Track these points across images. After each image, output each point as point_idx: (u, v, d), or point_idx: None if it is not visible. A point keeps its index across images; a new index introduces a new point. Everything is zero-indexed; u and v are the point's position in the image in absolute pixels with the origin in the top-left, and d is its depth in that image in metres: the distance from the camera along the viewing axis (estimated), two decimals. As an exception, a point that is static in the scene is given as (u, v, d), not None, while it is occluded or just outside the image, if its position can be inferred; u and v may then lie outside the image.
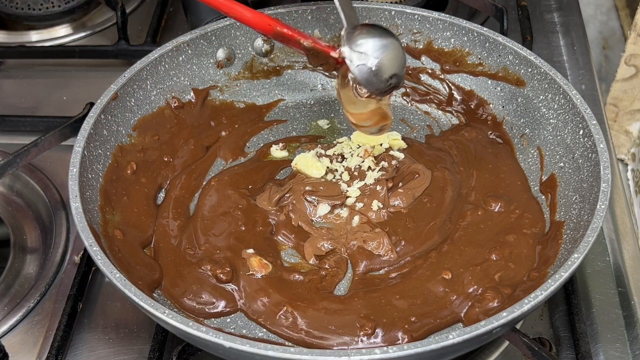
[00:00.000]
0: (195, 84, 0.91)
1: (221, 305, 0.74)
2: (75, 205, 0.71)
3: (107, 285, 0.82)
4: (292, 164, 0.87)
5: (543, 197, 0.82)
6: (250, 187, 0.85)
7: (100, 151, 0.79)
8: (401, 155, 0.87)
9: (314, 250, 0.79)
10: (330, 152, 0.88)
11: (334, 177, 0.85)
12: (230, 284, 0.75)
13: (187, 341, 0.70)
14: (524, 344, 0.68)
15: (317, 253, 0.79)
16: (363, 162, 0.85)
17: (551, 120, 0.84)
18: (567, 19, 1.15)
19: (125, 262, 0.73)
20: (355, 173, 0.85)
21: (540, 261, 0.75)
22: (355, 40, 0.76)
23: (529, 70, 0.86)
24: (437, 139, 0.91)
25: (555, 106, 0.83)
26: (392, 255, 0.78)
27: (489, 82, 0.91)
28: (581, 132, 0.78)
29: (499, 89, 0.90)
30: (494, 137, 0.89)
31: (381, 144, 0.88)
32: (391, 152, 0.87)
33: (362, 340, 0.70)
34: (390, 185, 0.83)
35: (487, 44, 0.89)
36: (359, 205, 0.82)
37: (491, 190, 0.83)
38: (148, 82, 0.86)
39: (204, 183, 0.86)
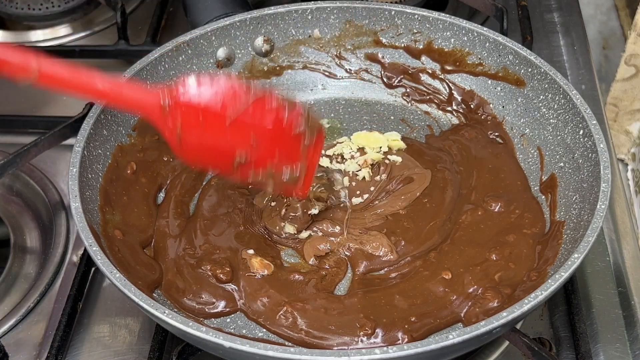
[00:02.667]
0: (195, 84, 0.91)
1: (221, 305, 0.74)
2: (75, 205, 0.71)
3: (107, 285, 0.82)
4: (292, 164, 0.87)
5: (543, 197, 0.82)
6: (250, 187, 0.85)
7: (100, 151, 0.79)
8: (399, 159, 0.86)
9: (313, 250, 0.79)
10: (330, 152, 0.88)
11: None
12: (230, 284, 0.75)
13: (187, 341, 0.70)
14: (524, 344, 0.68)
15: (316, 253, 0.79)
16: (360, 170, 0.85)
17: (551, 120, 0.84)
18: (567, 19, 1.15)
19: (125, 262, 0.73)
20: (354, 183, 0.84)
21: (540, 261, 0.75)
22: None
23: (529, 70, 0.86)
24: (437, 139, 0.91)
25: (555, 106, 0.83)
26: (391, 256, 0.77)
27: (489, 82, 0.91)
28: (581, 132, 0.78)
29: (499, 89, 0.90)
30: (494, 137, 0.89)
31: (380, 148, 0.87)
32: (389, 157, 0.86)
33: (362, 340, 0.70)
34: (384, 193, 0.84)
35: (487, 44, 0.89)
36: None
37: (491, 190, 0.83)
38: (148, 82, 0.86)
39: (204, 183, 0.86)
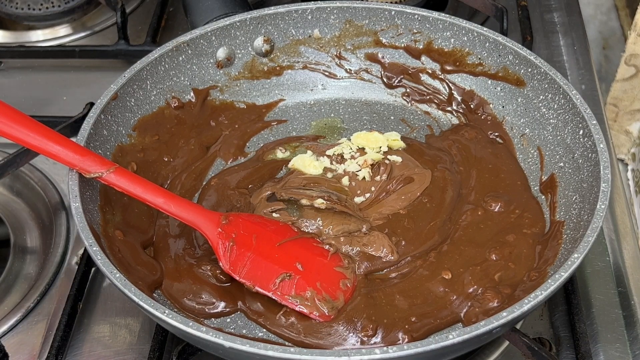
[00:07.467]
0: (195, 84, 0.91)
1: (221, 305, 0.74)
2: (75, 205, 0.71)
3: (107, 285, 0.82)
4: (290, 164, 0.87)
5: (543, 197, 0.82)
6: (250, 187, 0.85)
7: (100, 151, 0.79)
8: (399, 159, 0.86)
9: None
10: (330, 152, 0.88)
11: (332, 176, 0.85)
12: (230, 284, 0.75)
13: (187, 341, 0.70)
14: (524, 344, 0.68)
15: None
16: (360, 170, 0.85)
17: (551, 120, 0.84)
18: (567, 19, 1.15)
19: (125, 262, 0.73)
20: (354, 183, 0.84)
21: (540, 261, 0.75)
22: None
23: (529, 70, 0.86)
24: (437, 138, 0.91)
25: (555, 106, 0.83)
26: (392, 257, 0.77)
27: (489, 82, 0.91)
28: (581, 132, 0.78)
29: (499, 89, 0.90)
30: (494, 137, 0.89)
31: (380, 148, 0.87)
32: (389, 157, 0.86)
33: (362, 341, 0.70)
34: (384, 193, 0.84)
35: (487, 44, 0.89)
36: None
37: (491, 190, 0.83)
38: (148, 82, 0.86)
39: (204, 183, 0.86)
